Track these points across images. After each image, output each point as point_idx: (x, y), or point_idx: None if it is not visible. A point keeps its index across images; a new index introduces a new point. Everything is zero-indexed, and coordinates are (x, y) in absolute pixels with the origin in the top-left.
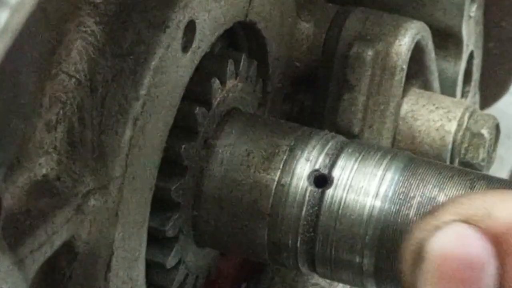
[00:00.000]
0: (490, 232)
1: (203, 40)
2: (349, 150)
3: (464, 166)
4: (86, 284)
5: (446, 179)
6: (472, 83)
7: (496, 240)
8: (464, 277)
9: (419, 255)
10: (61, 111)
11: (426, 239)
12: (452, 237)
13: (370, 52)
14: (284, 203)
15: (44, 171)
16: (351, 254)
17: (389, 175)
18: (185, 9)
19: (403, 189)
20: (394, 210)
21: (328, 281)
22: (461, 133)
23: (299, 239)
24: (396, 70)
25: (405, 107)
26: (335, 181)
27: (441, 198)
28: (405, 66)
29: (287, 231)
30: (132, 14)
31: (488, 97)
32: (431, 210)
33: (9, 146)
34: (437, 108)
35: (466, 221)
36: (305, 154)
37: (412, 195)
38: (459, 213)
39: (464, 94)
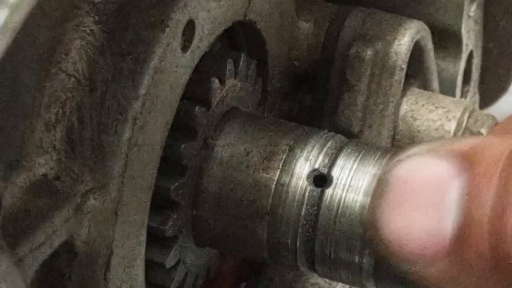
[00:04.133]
0: (456, 152)
1: (203, 40)
2: (349, 150)
3: None
4: (85, 284)
5: None
6: (472, 83)
7: (461, 156)
8: (426, 198)
9: (381, 187)
10: (61, 111)
11: (388, 171)
12: (415, 164)
13: (369, 52)
14: (283, 202)
15: (43, 170)
16: (350, 254)
17: None
18: (185, 9)
19: None
20: None
21: (327, 280)
22: (460, 132)
23: (298, 238)
24: (395, 69)
25: (405, 107)
26: (334, 181)
27: None
28: (404, 66)
29: (287, 231)
30: (132, 13)
31: (488, 97)
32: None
33: (8, 145)
34: (436, 107)
35: (429, 152)
36: (305, 154)
37: None
38: (422, 148)
39: (463, 94)
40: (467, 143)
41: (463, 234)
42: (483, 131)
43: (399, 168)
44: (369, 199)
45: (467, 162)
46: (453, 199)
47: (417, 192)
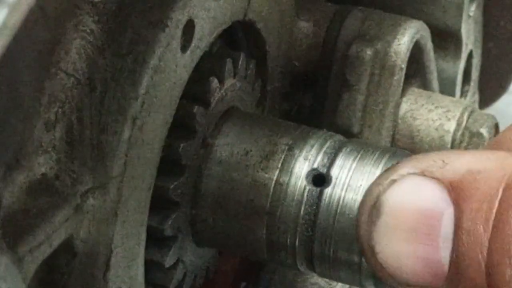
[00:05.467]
0: (446, 181)
1: (202, 39)
2: (348, 149)
3: None
4: (85, 283)
5: None
6: (471, 83)
7: (452, 187)
8: (421, 227)
9: (375, 209)
10: (60, 110)
11: (382, 192)
12: (408, 189)
13: (369, 52)
14: (282, 202)
15: (43, 170)
16: (349, 253)
17: None
18: (184, 9)
19: None
20: None
21: (327, 280)
22: (460, 132)
23: (297, 238)
24: (395, 69)
25: (404, 107)
26: (333, 180)
27: None
28: (404, 66)
29: (286, 230)
30: (131, 13)
31: (487, 96)
32: (389, 167)
33: (8, 145)
34: (436, 107)
35: (422, 173)
36: (304, 153)
37: None
38: (415, 166)
39: (463, 94)
40: (460, 167)
41: (459, 265)
42: (483, 130)
43: (392, 192)
44: None
45: (460, 195)
46: (448, 232)
47: (411, 220)
